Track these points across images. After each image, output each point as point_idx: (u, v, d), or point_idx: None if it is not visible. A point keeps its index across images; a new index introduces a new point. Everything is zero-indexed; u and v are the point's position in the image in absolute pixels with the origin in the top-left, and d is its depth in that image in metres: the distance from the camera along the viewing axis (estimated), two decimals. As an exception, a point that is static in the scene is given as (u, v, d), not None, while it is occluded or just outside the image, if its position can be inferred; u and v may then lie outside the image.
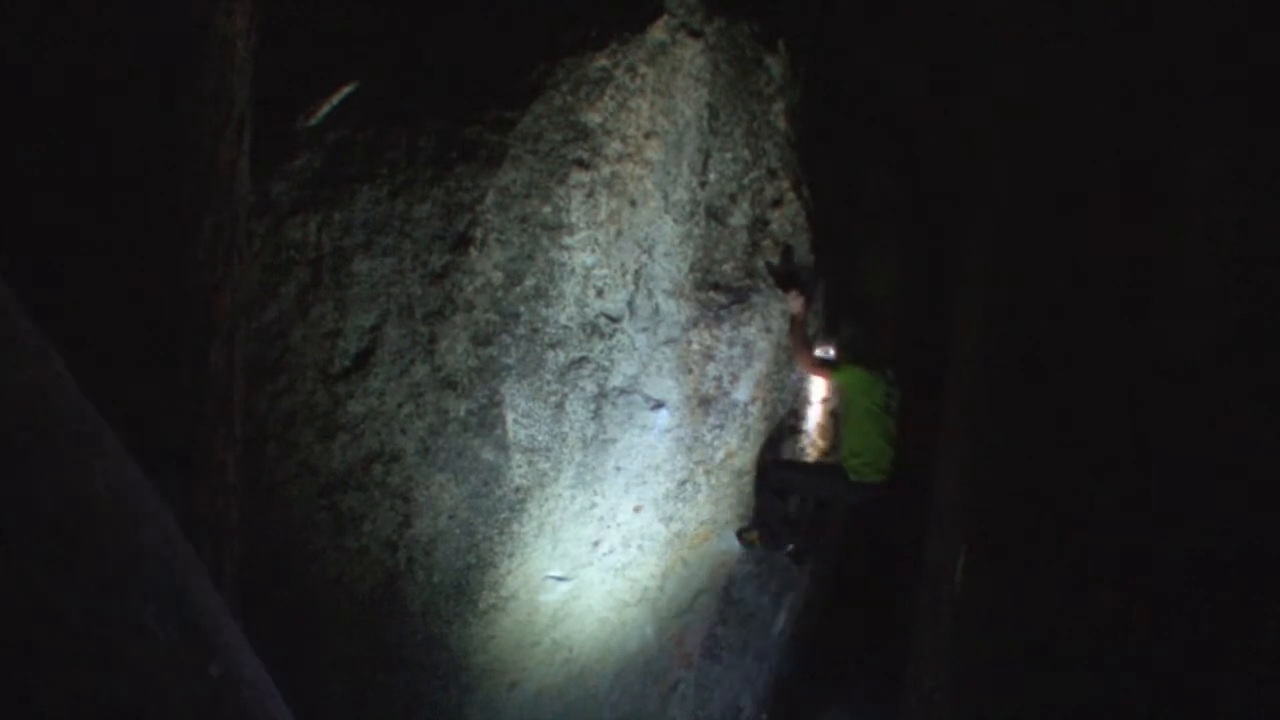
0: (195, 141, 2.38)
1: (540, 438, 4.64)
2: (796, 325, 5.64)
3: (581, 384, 4.73)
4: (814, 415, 6.31)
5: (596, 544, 5.13)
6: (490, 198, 4.28)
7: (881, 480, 5.82)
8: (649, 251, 4.89)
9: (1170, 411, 2.71)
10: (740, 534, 5.93)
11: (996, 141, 4.87)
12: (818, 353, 5.85)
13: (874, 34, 6.65)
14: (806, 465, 6.23)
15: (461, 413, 4.39)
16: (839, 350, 5.94)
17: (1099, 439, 3.04)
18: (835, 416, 6.46)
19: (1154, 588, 2.66)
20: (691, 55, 4.89)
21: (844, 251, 6.46)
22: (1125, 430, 2.90)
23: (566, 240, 4.50)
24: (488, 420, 4.45)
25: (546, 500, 4.75)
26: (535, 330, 4.50)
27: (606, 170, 4.59)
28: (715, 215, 5.25)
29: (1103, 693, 2.80)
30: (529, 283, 4.44)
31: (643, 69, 4.65)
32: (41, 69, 1.93)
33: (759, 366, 5.62)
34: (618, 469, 5.05)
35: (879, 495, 5.90)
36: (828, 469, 6.12)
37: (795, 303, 5.63)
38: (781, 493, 5.93)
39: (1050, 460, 3.34)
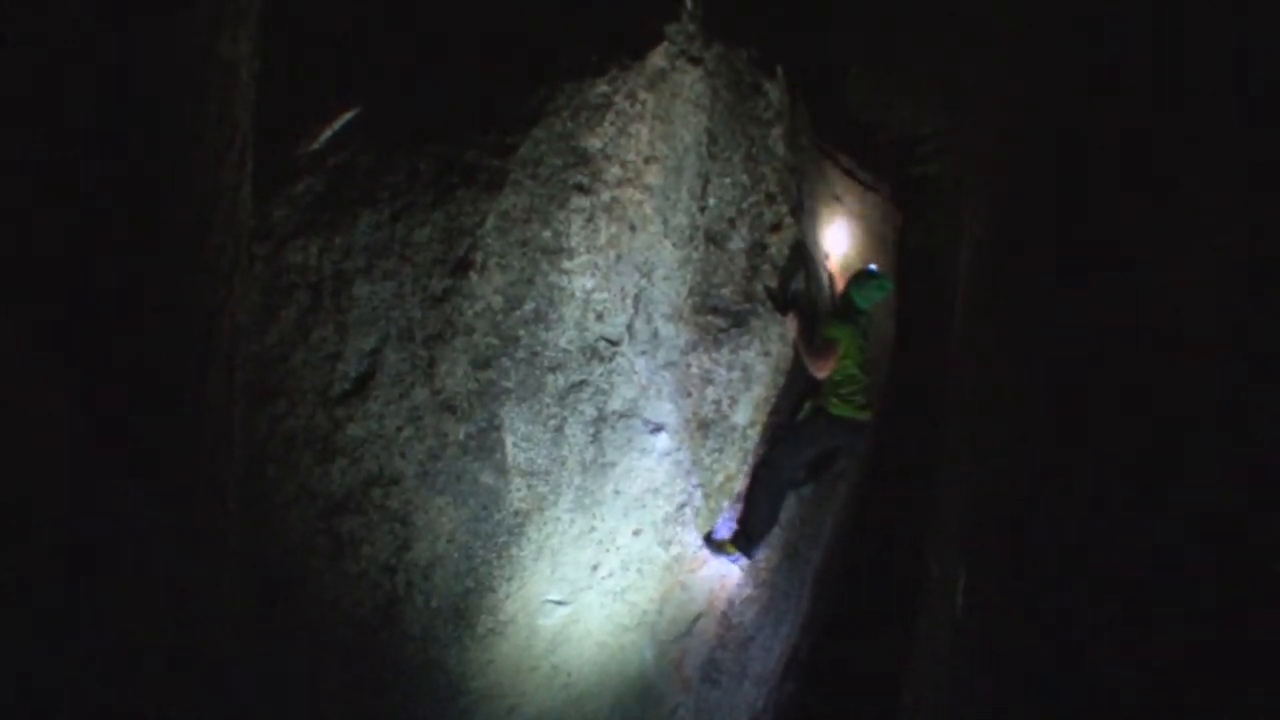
0: (198, 166, 2.40)
1: (539, 461, 4.64)
2: (801, 340, 5.69)
3: (581, 407, 4.74)
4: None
5: (595, 568, 5.11)
6: (490, 222, 4.30)
7: (864, 419, 5.87)
8: (648, 276, 4.91)
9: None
10: (710, 539, 5.80)
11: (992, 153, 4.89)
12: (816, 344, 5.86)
13: (872, 61, 6.71)
14: (784, 438, 6.04)
15: (461, 436, 4.39)
16: (801, 307, 5.91)
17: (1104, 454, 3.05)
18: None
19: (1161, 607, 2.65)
20: (691, 81, 4.94)
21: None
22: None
23: (566, 264, 4.52)
24: (487, 444, 4.45)
25: (545, 524, 4.75)
26: (535, 354, 4.51)
27: (606, 195, 4.61)
28: (714, 240, 5.27)
29: (1110, 714, 2.79)
30: (529, 307, 4.46)
31: (643, 95, 4.69)
32: (43, 92, 1.94)
33: (758, 390, 5.63)
34: (617, 492, 5.05)
35: (861, 433, 5.98)
36: (804, 422, 6.04)
37: (793, 325, 5.66)
38: (782, 490, 5.87)
39: (1052, 476, 3.34)
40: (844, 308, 5.90)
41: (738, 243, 5.40)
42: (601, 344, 4.74)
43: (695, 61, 4.96)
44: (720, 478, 5.65)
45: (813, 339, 5.80)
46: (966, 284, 5.40)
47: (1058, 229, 3.59)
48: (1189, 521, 2.62)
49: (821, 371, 5.72)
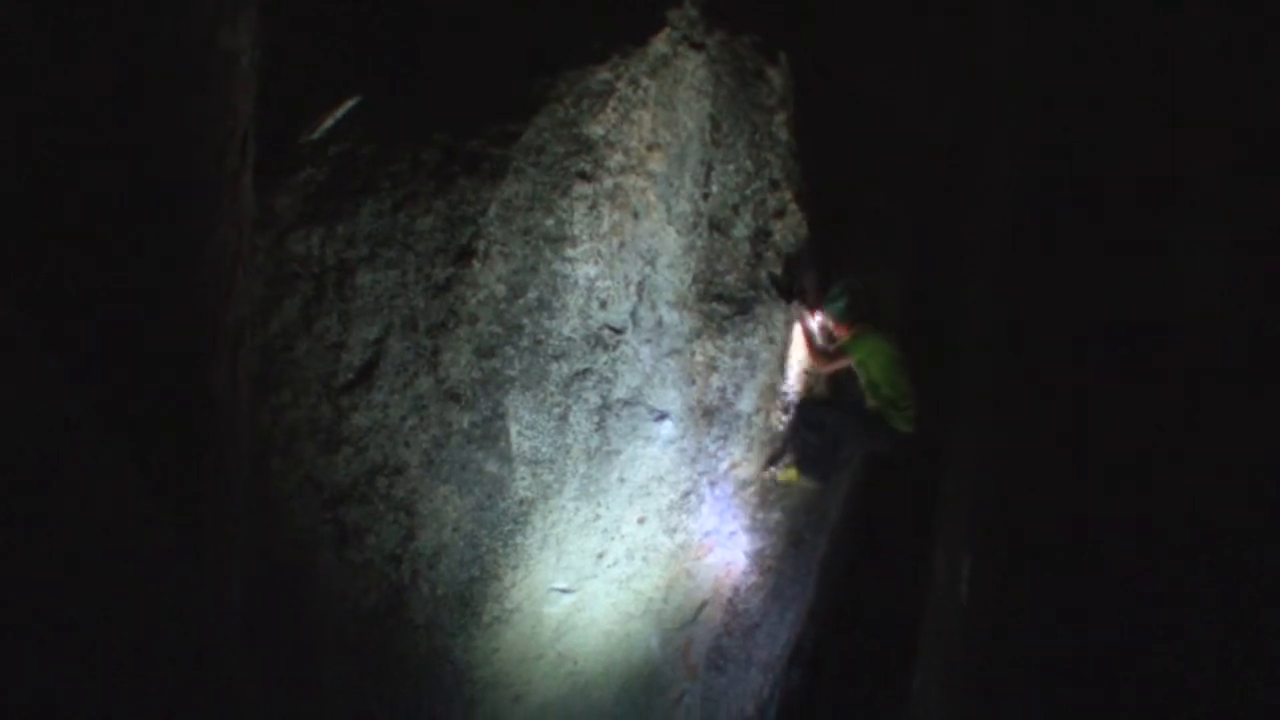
0: (199, 156, 2.38)
1: (544, 449, 4.63)
2: (805, 334, 5.66)
3: (585, 396, 4.73)
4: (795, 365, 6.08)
5: (601, 556, 5.12)
6: (493, 210, 4.28)
7: (911, 432, 5.84)
8: (652, 263, 4.89)
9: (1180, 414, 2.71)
10: (776, 475, 5.82)
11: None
12: (819, 340, 5.82)
13: (874, 45, 6.65)
14: (845, 406, 6.06)
15: (465, 425, 4.38)
16: (833, 318, 5.83)
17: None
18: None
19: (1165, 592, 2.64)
20: (693, 67, 4.91)
21: (846, 262, 6.43)
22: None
23: (569, 252, 4.50)
24: (491, 432, 4.45)
25: (550, 512, 4.75)
26: (538, 342, 4.50)
27: (609, 182, 4.59)
28: (718, 226, 5.25)
29: (1116, 702, 2.79)
30: (532, 295, 4.44)
31: (645, 81, 4.66)
32: (44, 83, 1.93)
33: (762, 377, 5.62)
34: (621, 480, 5.05)
35: (906, 447, 5.97)
36: (869, 420, 5.96)
37: (798, 313, 5.64)
38: (817, 426, 5.85)
39: (1060, 463, 3.33)
40: (866, 315, 5.77)
41: (742, 229, 5.38)
42: (605, 332, 4.73)
43: (698, 47, 4.93)
44: (725, 465, 5.65)
45: (822, 335, 5.79)
46: (974, 277, 5.38)
47: (1063, 227, 3.57)
48: (1191, 512, 2.61)
49: (823, 368, 5.75)
